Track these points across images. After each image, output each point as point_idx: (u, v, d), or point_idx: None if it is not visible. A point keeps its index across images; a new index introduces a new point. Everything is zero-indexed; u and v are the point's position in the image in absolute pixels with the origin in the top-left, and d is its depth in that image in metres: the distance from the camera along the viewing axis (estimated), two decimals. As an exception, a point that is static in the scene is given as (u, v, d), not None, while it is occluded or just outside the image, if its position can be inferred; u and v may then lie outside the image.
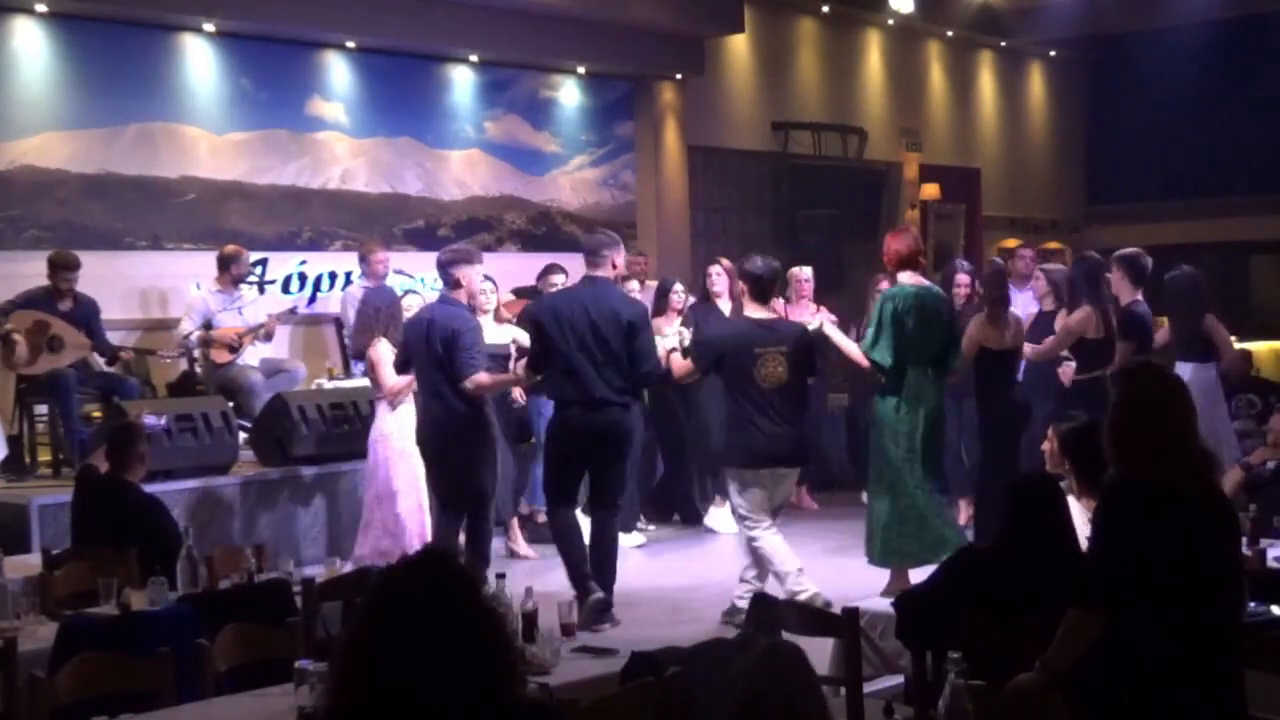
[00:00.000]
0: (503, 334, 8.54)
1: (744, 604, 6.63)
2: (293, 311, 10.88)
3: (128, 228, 10.50)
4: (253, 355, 9.69)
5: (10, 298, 8.86)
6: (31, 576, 5.86)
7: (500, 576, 4.66)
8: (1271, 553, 5.26)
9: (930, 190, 15.93)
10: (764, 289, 7.24)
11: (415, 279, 10.54)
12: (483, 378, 7.14)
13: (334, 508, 8.84)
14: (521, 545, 8.98)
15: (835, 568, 7.26)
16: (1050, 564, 4.04)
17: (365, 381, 8.58)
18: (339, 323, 10.65)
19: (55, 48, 10.16)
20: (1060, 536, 4.14)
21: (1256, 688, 3.74)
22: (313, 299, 11.25)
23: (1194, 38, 16.61)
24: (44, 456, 8.93)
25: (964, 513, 9.18)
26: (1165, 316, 8.86)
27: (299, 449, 8.73)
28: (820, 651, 4.35)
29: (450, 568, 2.43)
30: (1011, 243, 13.86)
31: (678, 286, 9.89)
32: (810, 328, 7.46)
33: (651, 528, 9.83)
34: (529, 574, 7.01)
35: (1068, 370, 8.33)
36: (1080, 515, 4.51)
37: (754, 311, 7.23)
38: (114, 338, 9.38)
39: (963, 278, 9.52)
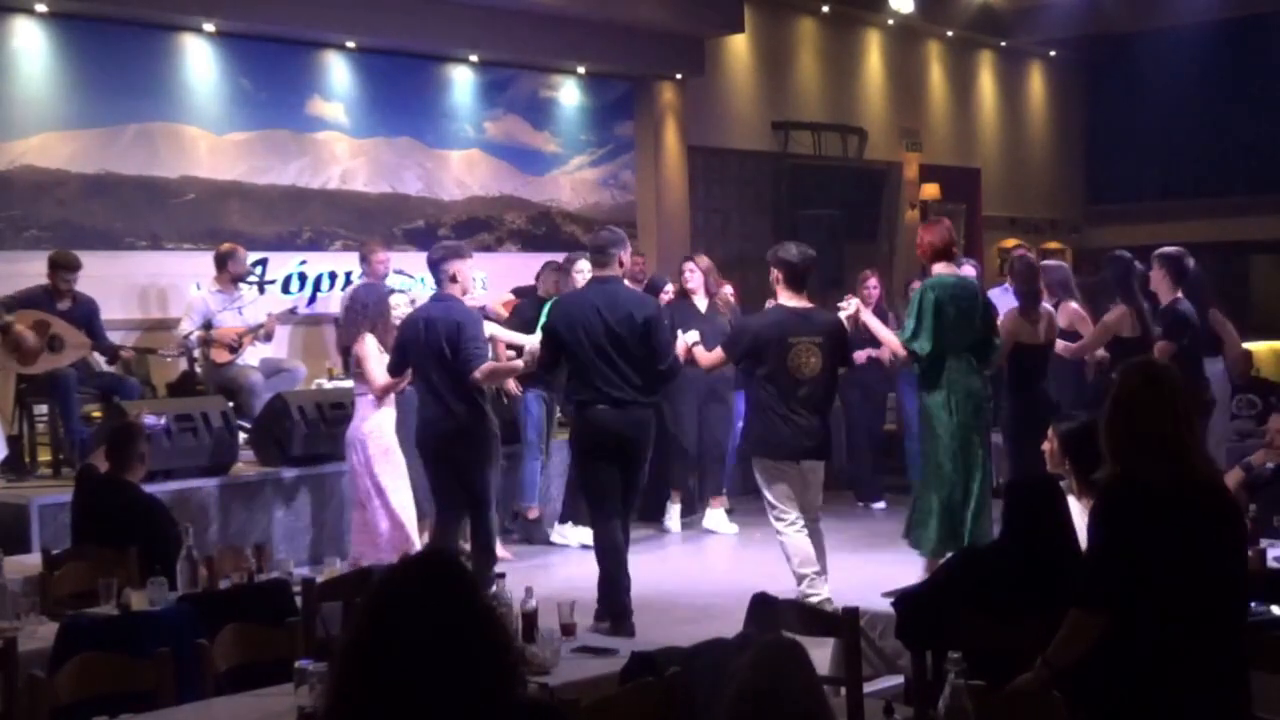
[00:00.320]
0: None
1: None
2: (293, 311, 10.88)
3: (128, 228, 10.50)
4: (253, 355, 9.69)
5: (7, 296, 8.85)
6: (31, 576, 5.85)
7: (500, 576, 4.66)
8: (1271, 553, 5.27)
9: (930, 190, 15.94)
10: (799, 277, 7.10)
11: (415, 279, 10.54)
12: (488, 366, 7.15)
13: (334, 508, 8.83)
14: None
15: (835, 567, 7.25)
16: (1050, 564, 4.04)
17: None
18: (339, 323, 10.64)
19: (55, 48, 10.16)
20: (1060, 536, 4.14)
21: (1257, 688, 3.74)
22: (313, 299, 11.25)
23: (1194, 38, 16.61)
24: (44, 456, 8.92)
25: None
26: None
27: (299, 449, 8.72)
28: (820, 651, 4.34)
29: (450, 568, 2.43)
30: (1010, 242, 13.88)
31: (669, 286, 9.95)
32: (844, 314, 7.42)
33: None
34: (529, 574, 7.00)
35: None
36: (1080, 515, 4.50)
37: (789, 300, 7.12)
38: (114, 338, 9.36)
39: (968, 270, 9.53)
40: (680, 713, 3.68)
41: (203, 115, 10.86)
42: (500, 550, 8.79)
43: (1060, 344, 8.50)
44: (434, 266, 7.37)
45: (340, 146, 11.71)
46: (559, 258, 9.75)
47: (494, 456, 7.30)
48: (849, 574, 7.39)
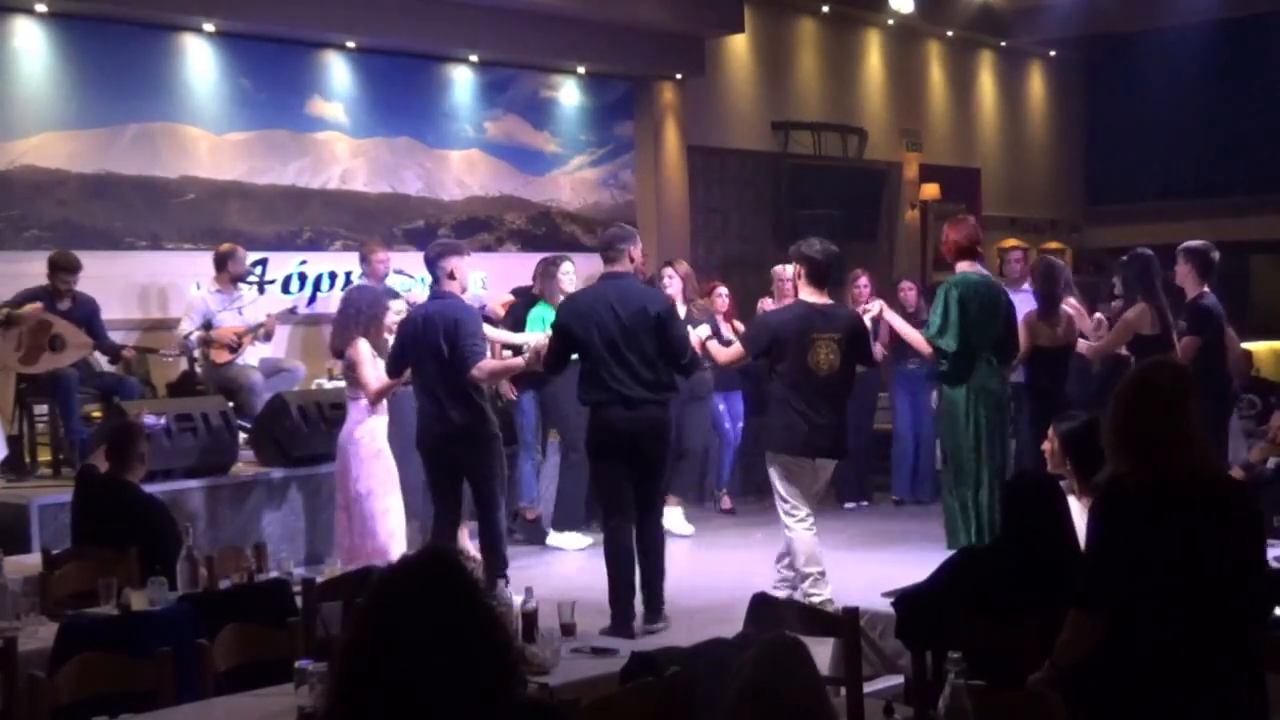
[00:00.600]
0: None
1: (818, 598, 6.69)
2: (293, 311, 10.87)
3: (128, 228, 10.50)
4: (253, 355, 9.69)
5: (7, 298, 8.85)
6: (31, 576, 5.86)
7: (501, 576, 4.66)
8: (1272, 553, 5.26)
9: (930, 190, 15.93)
10: (821, 273, 7.06)
11: (415, 279, 10.54)
12: (488, 363, 7.12)
13: (334, 508, 8.80)
14: (469, 546, 8.86)
15: (835, 567, 7.25)
16: (1050, 564, 4.04)
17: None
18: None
19: (55, 48, 10.16)
20: (1060, 536, 4.14)
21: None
22: (313, 299, 11.24)
23: (1194, 37, 16.60)
24: (44, 456, 8.93)
25: None
26: None
27: (299, 449, 8.72)
28: (821, 651, 4.34)
29: (450, 568, 2.42)
30: (1009, 243, 13.87)
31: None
32: (869, 315, 7.39)
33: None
34: (529, 574, 7.00)
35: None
36: (1080, 515, 4.50)
37: (810, 296, 7.08)
38: (114, 338, 9.37)
39: None
40: (680, 712, 3.68)
41: (203, 115, 10.87)
42: (473, 550, 8.75)
43: (1082, 343, 8.47)
44: (431, 263, 7.35)
45: (340, 146, 11.71)
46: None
47: (497, 457, 7.27)
48: (849, 574, 7.39)
